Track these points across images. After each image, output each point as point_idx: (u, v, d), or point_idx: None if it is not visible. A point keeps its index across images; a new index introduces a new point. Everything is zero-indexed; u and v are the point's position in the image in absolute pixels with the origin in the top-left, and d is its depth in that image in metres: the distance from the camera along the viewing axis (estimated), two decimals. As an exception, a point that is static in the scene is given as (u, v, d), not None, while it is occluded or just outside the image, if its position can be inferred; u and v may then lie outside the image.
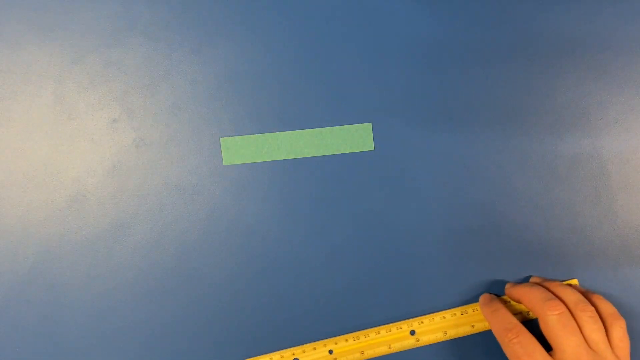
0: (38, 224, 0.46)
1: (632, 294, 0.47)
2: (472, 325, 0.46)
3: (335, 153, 0.46)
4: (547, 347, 0.41)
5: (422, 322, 0.46)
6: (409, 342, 0.45)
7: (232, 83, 0.46)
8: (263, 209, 0.46)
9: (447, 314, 0.46)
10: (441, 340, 0.46)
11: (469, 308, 0.46)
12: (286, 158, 0.46)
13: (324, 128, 0.46)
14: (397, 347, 0.45)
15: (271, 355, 0.45)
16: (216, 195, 0.46)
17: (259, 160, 0.46)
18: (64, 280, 0.46)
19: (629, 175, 0.47)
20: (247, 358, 0.45)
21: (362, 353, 0.45)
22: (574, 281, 0.46)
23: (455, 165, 0.47)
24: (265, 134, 0.46)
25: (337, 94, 0.46)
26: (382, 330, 0.46)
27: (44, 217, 0.46)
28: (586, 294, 0.44)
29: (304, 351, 0.45)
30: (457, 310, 0.46)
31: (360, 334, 0.45)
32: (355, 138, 0.46)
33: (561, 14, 0.47)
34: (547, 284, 0.44)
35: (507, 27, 0.47)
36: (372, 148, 0.47)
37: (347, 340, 0.45)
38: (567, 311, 0.41)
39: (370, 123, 0.47)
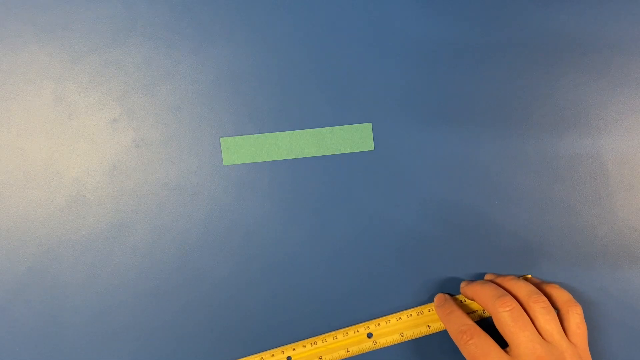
0: (38, 224, 0.46)
1: (632, 294, 0.47)
2: (428, 326, 0.46)
3: (335, 153, 0.46)
4: (504, 344, 0.42)
5: (379, 325, 0.46)
6: (367, 345, 0.46)
7: (232, 83, 0.46)
8: (263, 209, 0.46)
9: (403, 315, 0.46)
10: (398, 341, 0.46)
11: (424, 309, 0.46)
12: (286, 158, 0.46)
13: (324, 128, 0.46)
14: (354, 350, 0.45)
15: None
16: (216, 195, 0.46)
17: (259, 160, 0.46)
18: (64, 280, 0.46)
19: (629, 175, 0.47)
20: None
21: (320, 358, 0.45)
22: (528, 276, 0.46)
23: (455, 165, 0.47)
24: (265, 134, 0.46)
25: (337, 94, 0.46)
26: (339, 334, 0.46)
27: (44, 217, 0.46)
28: (540, 285, 0.44)
29: (261, 359, 0.45)
30: (413, 311, 0.46)
31: (318, 339, 0.45)
32: (355, 138, 0.46)
33: (561, 13, 0.47)
34: (499, 280, 0.44)
35: (507, 27, 0.47)
36: (372, 148, 0.47)
37: (304, 346, 0.45)
38: (517, 306, 0.41)
39: (370, 123, 0.47)
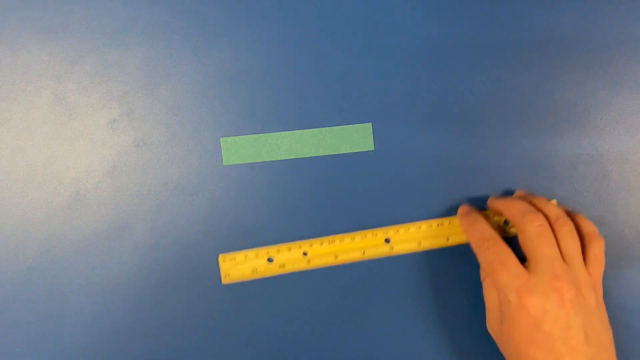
0: (38, 224, 0.46)
1: (632, 294, 0.47)
2: (447, 238, 0.45)
3: (335, 153, 0.46)
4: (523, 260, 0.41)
5: (398, 231, 0.46)
6: (383, 250, 0.46)
7: (232, 83, 0.46)
8: (263, 209, 0.46)
9: (424, 224, 0.46)
10: (415, 250, 0.46)
11: (445, 220, 0.46)
12: (286, 158, 0.46)
13: (323, 128, 0.46)
14: (370, 253, 0.45)
15: (246, 252, 0.45)
16: (216, 195, 0.46)
17: (259, 160, 0.46)
18: (64, 280, 0.46)
19: (629, 175, 0.47)
20: (222, 253, 0.45)
21: (336, 257, 0.45)
22: (554, 201, 0.46)
23: (455, 165, 0.47)
24: (265, 134, 0.46)
25: (337, 94, 0.46)
26: (357, 236, 0.46)
27: (44, 217, 0.46)
28: (569, 213, 0.44)
29: (278, 251, 0.45)
30: (433, 222, 0.46)
31: (335, 238, 0.46)
32: (355, 138, 0.46)
33: (561, 14, 0.47)
34: (530, 198, 0.44)
35: (507, 27, 0.47)
36: (372, 148, 0.47)
37: (321, 244, 0.45)
38: (546, 224, 0.40)
39: (370, 123, 0.47)
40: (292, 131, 0.46)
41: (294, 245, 0.46)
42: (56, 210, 0.46)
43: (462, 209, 0.45)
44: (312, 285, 0.46)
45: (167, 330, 0.46)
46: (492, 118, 0.47)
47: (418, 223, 0.46)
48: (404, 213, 0.46)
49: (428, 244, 0.46)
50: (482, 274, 0.44)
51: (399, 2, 0.47)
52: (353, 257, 0.46)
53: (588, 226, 0.43)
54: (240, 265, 0.45)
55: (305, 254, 0.45)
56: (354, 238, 0.46)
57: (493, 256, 0.40)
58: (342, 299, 0.46)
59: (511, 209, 0.42)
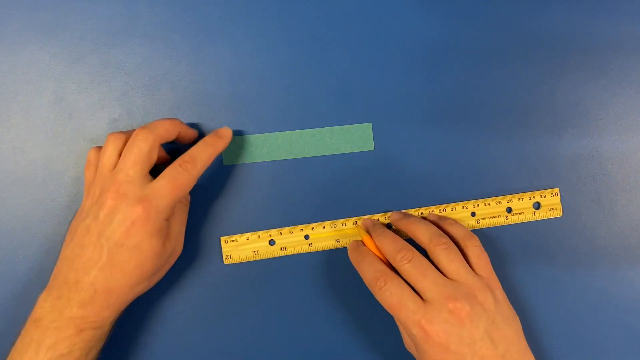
0: (38, 224, 0.46)
1: (632, 294, 0.47)
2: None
3: (336, 153, 0.46)
4: None
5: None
6: None
7: (232, 83, 0.46)
8: (263, 208, 0.46)
9: (425, 210, 0.46)
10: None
11: (447, 207, 0.46)
12: (286, 158, 0.46)
13: (324, 128, 0.46)
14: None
15: (248, 234, 0.46)
16: (216, 195, 0.46)
17: (259, 160, 0.46)
18: (64, 280, 0.46)
19: (629, 175, 0.47)
20: (223, 236, 0.46)
21: (338, 241, 0.46)
22: (430, 211, 0.46)
23: (455, 165, 0.47)
24: (265, 134, 0.46)
25: (337, 94, 0.46)
26: (359, 220, 0.46)
27: (44, 217, 0.46)
28: (439, 222, 0.44)
29: (280, 234, 0.46)
30: (434, 208, 0.46)
31: (338, 222, 0.46)
32: (355, 138, 0.46)
33: (561, 14, 0.47)
34: (403, 224, 0.44)
35: (507, 28, 0.47)
36: (372, 148, 0.47)
37: (323, 227, 0.46)
38: (416, 255, 0.41)
39: (370, 123, 0.47)
40: (292, 131, 0.46)
41: (296, 228, 0.46)
42: (56, 210, 0.46)
43: (352, 245, 0.45)
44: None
45: (167, 329, 0.46)
46: (492, 118, 0.47)
47: (420, 209, 0.46)
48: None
49: None
50: None
51: (398, 2, 0.47)
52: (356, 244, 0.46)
53: (459, 230, 0.43)
54: (242, 247, 0.46)
55: (307, 237, 0.46)
56: (356, 222, 0.46)
57: (388, 295, 0.40)
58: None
59: (383, 249, 0.42)
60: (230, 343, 0.46)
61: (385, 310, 0.40)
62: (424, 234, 0.42)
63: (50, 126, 0.46)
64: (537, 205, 0.46)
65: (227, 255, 0.46)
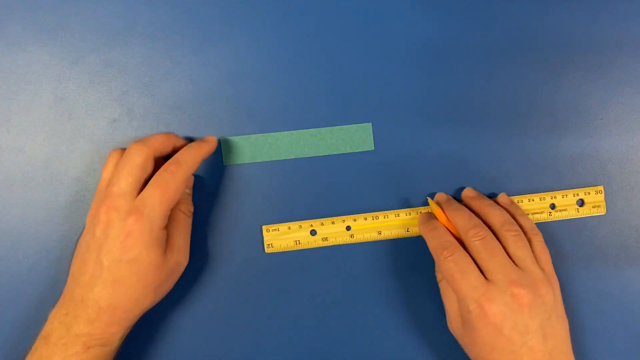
0: (38, 224, 0.46)
1: (632, 294, 0.47)
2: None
3: (335, 153, 0.46)
4: None
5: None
6: (399, 232, 0.46)
7: (232, 83, 0.46)
8: (263, 208, 0.46)
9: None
10: None
11: None
12: (286, 158, 0.46)
13: (323, 128, 0.46)
14: (414, 231, 0.46)
15: (289, 224, 0.46)
16: (216, 195, 0.46)
17: (259, 160, 0.46)
18: (64, 281, 0.45)
19: (629, 175, 0.47)
20: (265, 225, 0.46)
21: (380, 233, 0.46)
22: (502, 196, 0.46)
23: (455, 165, 0.47)
24: (265, 134, 0.46)
25: (337, 94, 0.46)
26: (402, 213, 0.46)
27: (44, 217, 0.46)
28: (511, 209, 0.44)
29: (322, 224, 0.46)
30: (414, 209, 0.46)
31: (380, 214, 0.46)
32: (355, 138, 0.46)
33: (561, 14, 0.47)
34: (476, 204, 0.44)
35: (507, 28, 0.47)
36: (372, 148, 0.47)
37: (365, 219, 0.46)
38: (489, 234, 0.41)
39: (370, 123, 0.47)
40: (292, 131, 0.46)
41: (338, 219, 0.46)
42: (56, 210, 0.46)
43: (422, 217, 0.45)
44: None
45: (167, 329, 0.46)
46: (492, 118, 0.47)
47: (462, 203, 0.46)
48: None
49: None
50: (439, 275, 0.44)
51: (398, 2, 0.47)
52: (397, 234, 0.46)
53: (527, 222, 0.44)
54: (284, 236, 0.46)
55: (348, 228, 0.46)
56: (398, 215, 0.46)
57: (453, 265, 0.40)
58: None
59: (456, 223, 0.43)
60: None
61: (426, 306, 0.42)
62: (497, 218, 0.43)
63: (50, 126, 0.46)
64: (581, 203, 0.47)
65: (269, 244, 0.46)
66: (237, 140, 0.46)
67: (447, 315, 0.43)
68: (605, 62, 0.47)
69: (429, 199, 0.46)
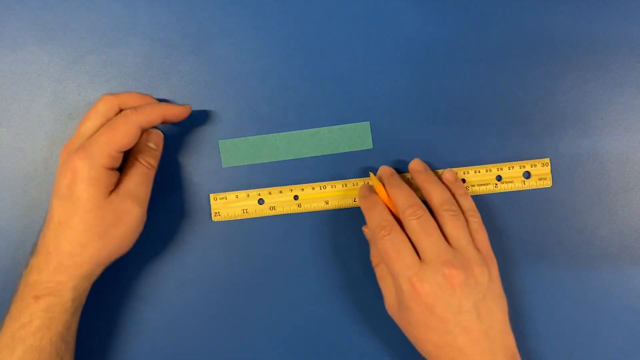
0: (38, 224, 0.46)
1: (632, 294, 0.47)
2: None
3: (334, 152, 0.46)
4: None
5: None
6: None
7: (232, 83, 0.46)
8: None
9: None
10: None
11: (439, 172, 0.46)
12: (285, 159, 0.46)
13: (322, 128, 0.46)
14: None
15: (237, 192, 0.46)
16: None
17: (258, 162, 0.46)
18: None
19: (629, 175, 0.47)
20: (212, 193, 0.46)
21: (327, 203, 0.46)
22: (446, 172, 0.45)
23: (454, 164, 0.47)
24: (264, 136, 0.46)
25: (335, 93, 0.46)
26: (349, 183, 0.46)
27: (43, 217, 0.46)
28: (452, 187, 0.44)
29: (270, 193, 0.46)
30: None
31: (327, 184, 0.46)
32: (353, 137, 0.46)
33: (561, 13, 0.47)
34: (420, 178, 0.44)
35: (507, 27, 0.47)
36: (371, 146, 0.47)
37: (313, 189, 0.46)
38: (426, 214, 0.41)
39: (369, 122, 0.47)
40: (290, 132, 0.46)
41: (285, 188, 0.46)
42: (56, 210, 0.46)
43: (362, 190, 0.45)
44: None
45: (167, 329, 0.46)
46: (491, 117, 0.47)
47: (408, 174, 0.46)
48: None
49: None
50: (375, 260, 0.44)
51: (397, 1, 0.47)
52: (344, 204, 0.46)
53: (466, 202, 0.44)
54: (231, 205, 0.46)
55: (296, 197, 0.46)
56: (345, 185, 0.46)
57: (389, 245, 0.40)
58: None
59: (395, 201, 0.42)
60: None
61: (371, 276, 0.42)
62: (437, 196, 0.43)
63: (50, 126, 0.46)
64: (528, 175, 0.46)
65: (216, 213, 0.46)
66: (236, 142, 0.46)
67: (384, 299, 0.43)
68: (605, 62, 0.47)
69: (371, 174, 0.45)
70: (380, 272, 0.44)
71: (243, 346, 0.46)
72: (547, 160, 0.46)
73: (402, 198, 0.42)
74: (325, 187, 0.46)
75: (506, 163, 0.46)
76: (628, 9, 0.47)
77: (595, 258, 0.47)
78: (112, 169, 0.40)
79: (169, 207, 0.46)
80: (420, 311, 0.39)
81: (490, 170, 0.46)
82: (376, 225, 0.42)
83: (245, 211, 0.46)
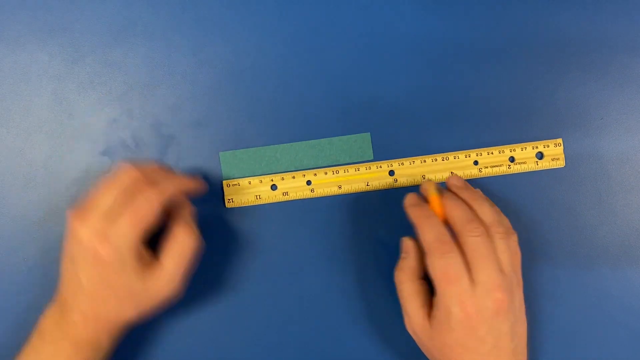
0: (38, 224, 0.46)
1: (632, 294, 0.47)
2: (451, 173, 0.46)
3: (335, 164, 0.46)
4: None
5: (402, 164, 0.46)
6: (387, 182, 0.46)
7: (232, 83, 0.46)
8: (263, 208, 0.46)
9: (428, 158, 0.46)
10: (419, 183, 0.46)
11: (450, 155, 0.46)
12: (285, 170, 0.46)
13: (322, 139, 0.46)
14: (374, 185, 0.46)
15: (250, 178, 0.46)
16: (216, 195, 0.46)
17: (259, 174, 0.46)
18: (64, 280, 0.46)
19: (629, 175, 0.47)
20: (225, 179, 0.46)
21: (340, 187, 0.46)
22: (478, 191, 0.44)
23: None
24: (264, 147, 0.46)
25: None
26: (362, 167, 0.46)
27: (44, 217, 0.46)
28: (476, 205, 0.42)
29: (282, 179, 0.46)
30: (438, 156, 0.46)
31: (340, 168, 0.46)
32: (354, 148, 0.46)
33: (561, 13, 0.47)
34: (465, 195, 0.43)
35: (507, 28, 0.47)
36: (372, 158, 0.47)
37: (326, 173, 0.46)
38: (485, 233, 0.40)
39: (369, 133, 0.46)
40: (291, 143, 0.46)
41: (298, 174, 0.46)
42: (56, 210, 0.46)
43: (411, 198, 0.43)
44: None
45: (166, 329, 0.46)
46: (491, 120, 0.47)
47: (422, 157, 0.46)
48: (404, 217, 0.46)
49: (431, 177, 0.46)
50: (403, 276, 0.42)
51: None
52: (357, 188, 0.46)
53: (503, 220, 0.42)
54: (244, 191, 0.46)
55: (309, 182, 0.46)
56: (358, 169, 0.46)
57: (451, 264, 0.39)
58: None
59: (452, 214, 0.41)
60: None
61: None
62: (488, 216, 0.41)
63: (50, 126, 0.46)
64: (540, 155, 0.46)
65: (229, 199, 0.46)
66: (236, 154, 0.46)
67: (408, 318, 0.41)
68: (605, 62, 0.47)
69: (430, 182, 0.43)
70: (409, 291, 0.41)
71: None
72: (560, 140, 0.46)
73: (461, 211, 0.41)
74: (337, 172, 0.46)
75: (519, 144, 0.46)
76: (628, 9, 0.47)
77: (595, 258, 0.47)
78: (144, 248, 0.40)
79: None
80: (463, 333, 0.39)
81: (503, 152, 0.46)
82: (434, 239, 0.40)
83: (258, 197, 0.46)
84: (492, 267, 0.39)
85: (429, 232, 0.40)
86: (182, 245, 0.40)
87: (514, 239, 0.41)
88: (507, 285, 0.39)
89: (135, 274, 0.39)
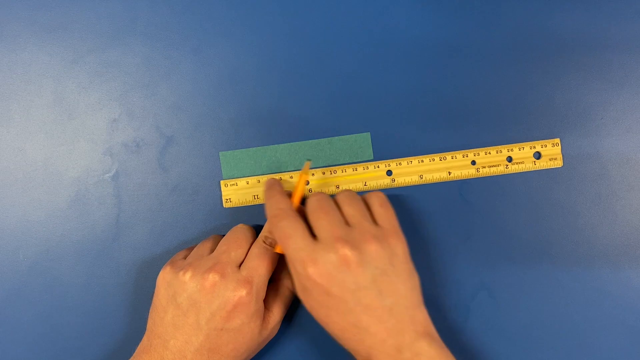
0: (38, 224, 0.46)
1: (632, 294, 0.47)
2: (449, 172, 0.46)
3: (335, 164, 0.46)
4: None
5: (400, 164, 0.46)
6: (385, 182, 0.46)
7: (232, 83, 0.46)
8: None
9: (425, 158, 0.46)
10: (416, 183, 0.46)
11: (448, 155, 0.46)
12: (285, 171, 0.46)
13: (322, 139, 0.46)
14: (372, 185, 0.46)
15: (248, 178, 0.46)
16: (216, 195, 0.46)
17: (259, 174, 0.46)
18: (64, 280, 0.46)
19: (629, 175, 0.47)
20: (222, 180, 0.46)
21: (337, 187, 0.46)
22: (426, 158, 0.46)
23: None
24: (264, 147, 0.46)
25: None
26: (360, 167, 0.46)
27: (44, 217, 0.46)
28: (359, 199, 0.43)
29: (280, 179, 0.46)
30: (435, 156, 0.46)
31: (338, 168, 0.46)
32: (354, 148, 0.46)
33: (561, 13, 0.47)
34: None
35: (507, 28, 0.47)
36: (372, 157, 0.47)
37: (323, 173, 0.46)
38: (325, 195, 0.41)
39: (369, 132, 0.46)
40: (291, 143, 0.46)
41: (296, 174, 0.46)
42: (56, 210, 0.46)
43: (267, 182, 0.44)
44: None
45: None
46: (491, 120, 0.47)
47: (420, 157, 0.46)
48: (404, 218, 0.46)
49: (430, 177, 0.46)
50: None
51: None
52: (355, 188, 0.46)
53: (368, 194, 0.43)
54: (242, 191, 0.46)
55: (307, 183, 0.46)
56: (355, 169, 0.46)
57: (281, 230, 0.39)
58: None
59: (303, 186, 0.43)
60: None
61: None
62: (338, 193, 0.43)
63: (50, 126, 0.46)
64: (538, 155, 0.47)
65: (227, 199, 0.46)
66: (236, 154, 0.46)
67: (294, 282, 0.42)
68: (605, 62, 0.47)
69: (307, 162, 0.44)
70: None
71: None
72: (558, 140, 0.46)
73: (320, 195, 0.42)
74: (335, 172, 0.46)
75: (516, 144, 0.46)
76: (628, 9, 0.47)
77: (595, 258, 0.47)
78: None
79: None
80: (317, 293, 0.38)
81: (501, 152, 0.46)
82: (271, 214, 0.41)
83: (256, 197, 0.46)
84: (330, 220, 0.39)
85: (269, 210, 0.41)
86: (288, 292, 0.43)
87: (377, 195, 0.42)
88: (352, 237, 0.38)
89: (261, 319, 0.41)
